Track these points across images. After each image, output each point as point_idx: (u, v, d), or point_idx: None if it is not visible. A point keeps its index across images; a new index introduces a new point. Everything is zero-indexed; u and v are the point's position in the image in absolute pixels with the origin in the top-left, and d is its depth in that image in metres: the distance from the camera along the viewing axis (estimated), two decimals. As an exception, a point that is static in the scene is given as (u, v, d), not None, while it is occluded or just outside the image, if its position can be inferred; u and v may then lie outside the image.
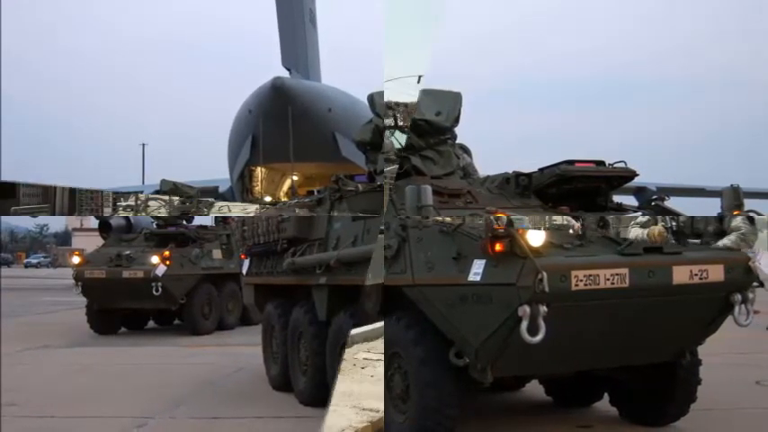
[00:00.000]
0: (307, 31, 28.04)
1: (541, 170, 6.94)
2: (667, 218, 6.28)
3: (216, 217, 18.24)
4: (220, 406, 7.97)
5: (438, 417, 5.70)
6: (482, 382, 5.58)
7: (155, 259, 14.67)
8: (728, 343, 8.42)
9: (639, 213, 6.55)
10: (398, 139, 7.45)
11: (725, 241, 5.94)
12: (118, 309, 15.46)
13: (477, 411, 6.96)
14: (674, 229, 6.19)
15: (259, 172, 25.44)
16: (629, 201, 9.81)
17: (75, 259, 15.89)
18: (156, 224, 17.31)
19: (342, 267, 7.07)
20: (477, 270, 5.23)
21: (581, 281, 5.08)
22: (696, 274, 5.50)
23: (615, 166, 6.91)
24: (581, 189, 6.91)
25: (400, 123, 7.52)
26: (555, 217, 6.28)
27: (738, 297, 5.70)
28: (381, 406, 6.08)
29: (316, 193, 8.40)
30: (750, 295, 5.74)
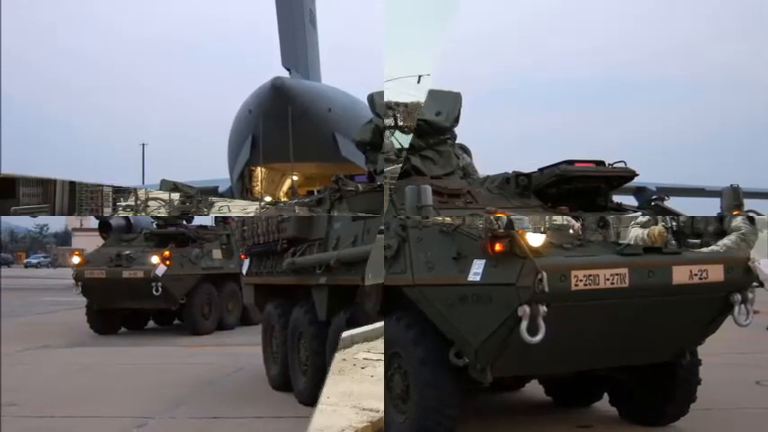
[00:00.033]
0: (307, 32, 28.01)
1: (541, 170, 6.94)
2: (667, 218, 6.28)
3: (216, 217, 18.24)
4: (220, 406, 7.97)
5: (438, 417, 5.71)
6: (482, 382, 5.59)
7: (155, 259, 14.68)
8: (728, 343, 8.42)
9: (639, 213, 6.55)
10: (398, 139, 7.45)
11: (725, 241, 5.94)
12: (118, 309, 15.47)
13: (477, 411, 6.96)
14: (675, 229, 6.19)
15: (259, 172, 25.40)
16: (629, 201, 9.80)
17: (75, 259, 15.90)
18: (156, 224, 17.30)
19: (342, 267, 7.07)
20: (476, 270, 5.23)
21: (581, 281, 5.09)
22: (696, 274, 5.50)
23: (615, 166, 6.91)
24: (581, 189, 6.91)
25: (400, 123, 7.53)
26: (555, 217, 6.28)
27: (738, 297, 5.70)
28: (381, 406, 6.09)
29: (316, 193, 8.40)
30: (750, 295, 5.75)
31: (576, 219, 6.11)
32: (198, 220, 17.84)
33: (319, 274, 7.45)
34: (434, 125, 7.56)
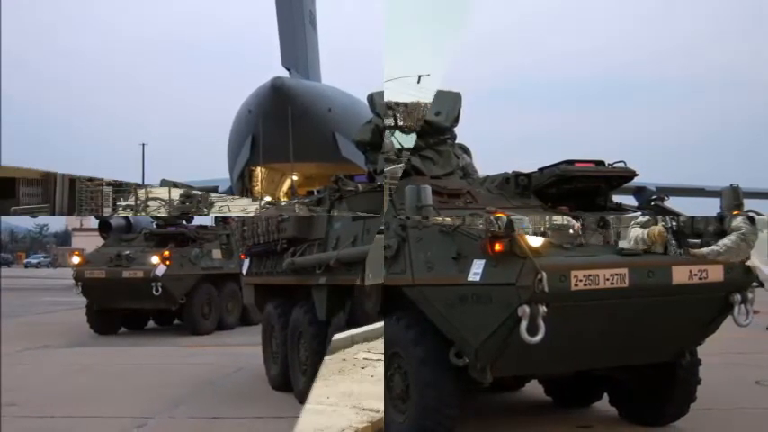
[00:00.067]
0: (306, 33, 28.00)
1: (541, 170, 6.94)
2: (668, 218, 6.28)
3: (216, 217, 18.24)
4: (220, 406, 7.97)
5: (438, 417, 5.71)
6: (482, 381, 5.59)
7: (155, 259, 14.69)
8: (728, 343, 8.42)
9: (639, 213, 6.55)
10: (398, 140, 7.46)
11: (725, 241, 5.93)
12: (118, 309, 15.48)
13: (477, 411, 6.96)
14: (675, 229, 6.19)
15: (259, 172, 25.38)
16: (629, 201, 9.80)
17: (75, 259, 15.91)
18: (156, 224, 17.31)
19: (341, 267, 7.07)
20: (476, 270, 5.24)
21: (580, 281, 5.09)
22: (695, 274, 5.51)
23: (615, 166, 6.92)
24: (581, 189, 6.92)
25: (400, 123, 7.53)
26: (555, 217, 6.28)
27: (738, 297, 5.71)
28: (381, 406, 6.09)
29: (316, 193, 8.40)
30: (749, 295, 5.75)
31: (576, 219, 6.11)
32: (198, 220, 17.85)
33: (319, 274, 7.46)
34: (434, 125, 7.56)
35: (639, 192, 25.81)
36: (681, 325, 5.90)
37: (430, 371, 5.71)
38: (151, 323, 17.12)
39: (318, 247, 7.69)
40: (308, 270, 7.75)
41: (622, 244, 5.86)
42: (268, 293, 9.28)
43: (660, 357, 6.21)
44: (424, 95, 7.57)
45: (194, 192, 17.05)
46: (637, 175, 6.97)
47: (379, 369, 6.30)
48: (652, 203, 7.10)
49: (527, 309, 4.94)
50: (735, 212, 6.12)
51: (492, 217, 5.32)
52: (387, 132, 7.49)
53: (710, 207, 7.19)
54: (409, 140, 7.41)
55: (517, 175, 7.01)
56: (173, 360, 11.68)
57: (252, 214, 10.00)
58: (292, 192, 20.96)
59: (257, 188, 25.22)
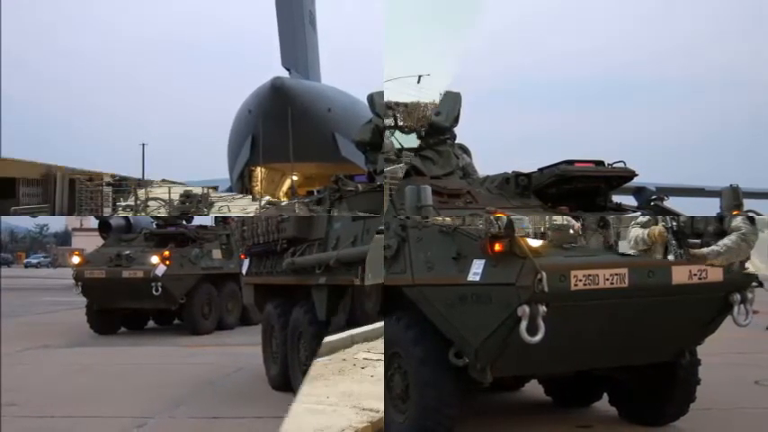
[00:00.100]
0: (306, 33, 28.03)
1: (541, 170, 6.95)
2: (668, 218, 6.28)
3: (216, 217, 18.26)
4: (220, 406, 7.97)
5: (437, 416, 5.71)
6: (482, 381, 5.59)
7: (154, 259, 14.69)
8: (727, 343, 8.42)
9: (639, 213, 6.55)
10: (398, 140, 7.46)
11: (725, 241, 5.93)
12: (118, 309, 15.48)
13: (477, 411, 6.96)
14: (675, 229, 6.19)
15: (259, 172, 25.41)
16: (629, 201, 9.80)
17: (75, 259, 15.92)
18: (156, 224, 17.32)
19: (341, 267, 7.07)
20: (476, 270, 5.24)
21: (580, 281, 5.09)
22: (695, 274, 5.51)
23: (614, 166, 6.92)
24: (580, 189, 6.92)
25: (400, 123, 7.53)
26: (555, 217, 6.28)
27: (737, 297, 5.71)
28: (381, 406, 6.09)
29: (315, 193, 8.40)
30: (749, 295, 5.76)
31: (576, 219, 6.11)
32: (198, 220, 17.86)
33: (319, 274, 7.46)
34: (434, 125, 7.56)
35: (639, 192, 25.83)
36: (681, 325, 5.90)
37: (430, 371, 5.71)
38: (151, 323, 17.12)
39: (318, 247, 7.69)
40: (307, 270, 7.75)
41: (623, 244, 5.85)
42: (268, 293, 9.28)
43: (660, 357, 6.21)
44: (424, 96, 7.57)
45: (194, 191, 17.06)
46: (636, 175, 6.98)
47: (379, 369, 6.30)
48: (651, 203, 7.10)
49: (527, 309, 4.94)
50: (734, 212, 6.12)
51: (492, 217, 5.32)
52: (387, 132, 7.49)
53: (710, 207, 7.19)
54: (409, 140, 7.41)
55: (517, 175, 7.01)
56: (173, 360, 11.68)
57: (252, 214, 10.00)
58: (292, 192, 20.98)
59: (257, 188, 25.24)
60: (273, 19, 26.51)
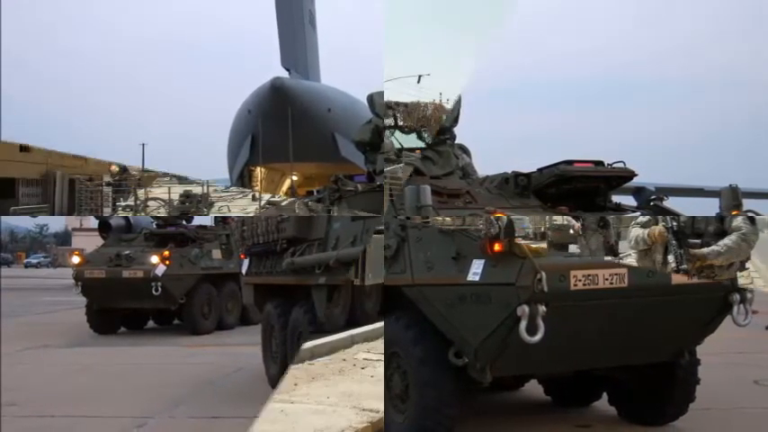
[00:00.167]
0: (306, 33, 28.01)
1: (540, 170, 6.95)
2: (668, 218, 6.28)
3: (216, 217, 18.23)
4: (220, 406, 7.98)
5: (437, 416, 5.71)
6: (481, 381, 5.59)
7: (154, 259, 14.70)
8: (727, 343, 8.42)
9: (639, 213, 6.55)
10: (398, 139, 7.46)
11: (725, 241, 5.93)
12: (118, 308, 15.48)
13: (476, 411, 6.96)
14: (675, 229, 6.19)
15: (259, 172, 25.38)
16: (628, 201, 9.80)
17: (75, 259, 15.92)
18: (156, 224, 17.30)
19: (341, 267, 7.07)
20: (476, 270, 5.24)
21: (580, 281, 5.10)
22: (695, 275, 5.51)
23: (614, 166, 6.92)
24: (580, 189, 6.92)
25: (400, 123, 7.53)
26: (554, 217, 6.29)
27: (737, 297, 5.72)
28: (381, 406, 6.09)
29: (315, 193, 8.40)
30: (748, 295, 5.76)
31: (576, 219, 6.11)
32: (198, 220, 17.83)
33: (319, 273, 7.46)
34: (434, 125, 7.56)
35: (639, 192, 25.81)
36: (680, 325, 5.90)
37: (429, 370, 5.72)
38: (151, 323, 17.12)
39: (318, 247, 7.69)
40: (307, 270, 7.76)
41: (623, 245, 5.86)
42: (268, 293, 9.28)
43: (659, 357, 6.21)
44: (424, 95, 7.58)
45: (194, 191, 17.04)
46: (636, 175, 6.98)
47: (379, 369, 6.30)
48: (651, 203, 7.10)
49: (526, 308, 4.94)
50: (734, 212, 6.12)
51: (491, 217, 5.32)
52: (386, 132, 7.49)
53: (710, 207, 7.20)
54: (409, 140, 7.41)
55: (517, 175, 7.02)
56: (172, 360, 11.68)
57: (252, 214, 10.00)
58: (292, 192, 20.95)
59: (257, 188, 25.22)
60: (273, 19, 26.50)
